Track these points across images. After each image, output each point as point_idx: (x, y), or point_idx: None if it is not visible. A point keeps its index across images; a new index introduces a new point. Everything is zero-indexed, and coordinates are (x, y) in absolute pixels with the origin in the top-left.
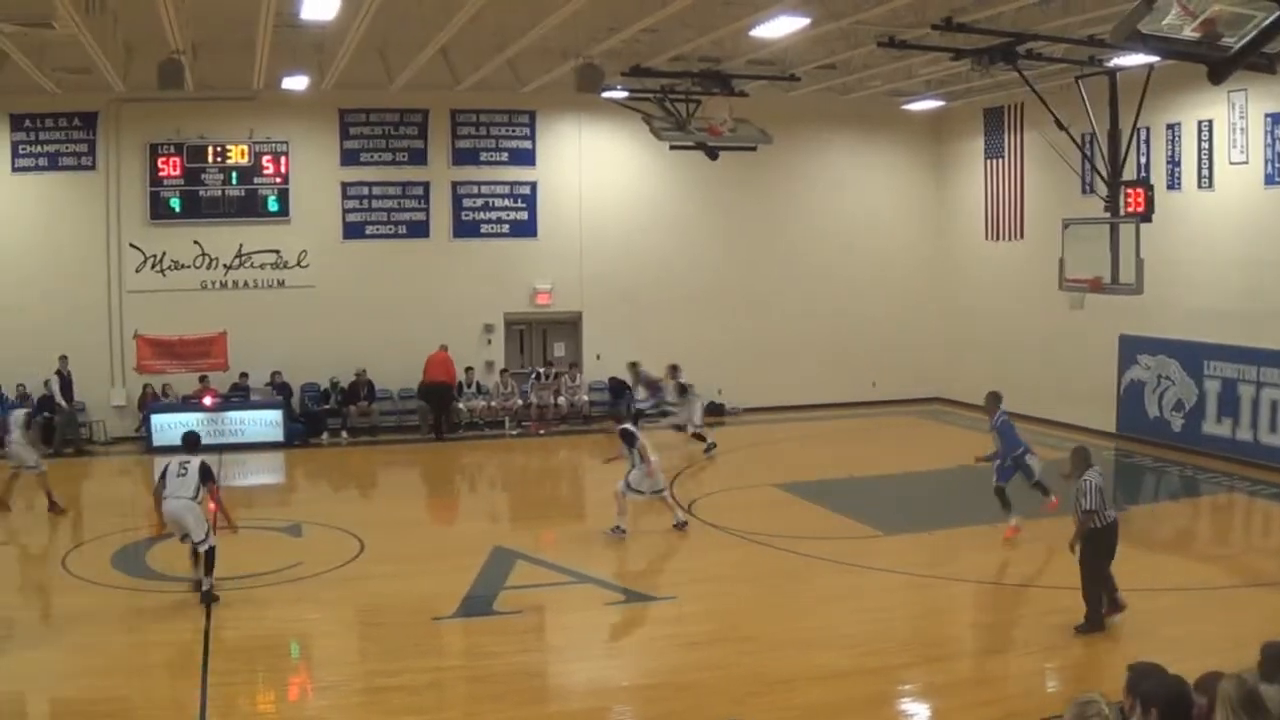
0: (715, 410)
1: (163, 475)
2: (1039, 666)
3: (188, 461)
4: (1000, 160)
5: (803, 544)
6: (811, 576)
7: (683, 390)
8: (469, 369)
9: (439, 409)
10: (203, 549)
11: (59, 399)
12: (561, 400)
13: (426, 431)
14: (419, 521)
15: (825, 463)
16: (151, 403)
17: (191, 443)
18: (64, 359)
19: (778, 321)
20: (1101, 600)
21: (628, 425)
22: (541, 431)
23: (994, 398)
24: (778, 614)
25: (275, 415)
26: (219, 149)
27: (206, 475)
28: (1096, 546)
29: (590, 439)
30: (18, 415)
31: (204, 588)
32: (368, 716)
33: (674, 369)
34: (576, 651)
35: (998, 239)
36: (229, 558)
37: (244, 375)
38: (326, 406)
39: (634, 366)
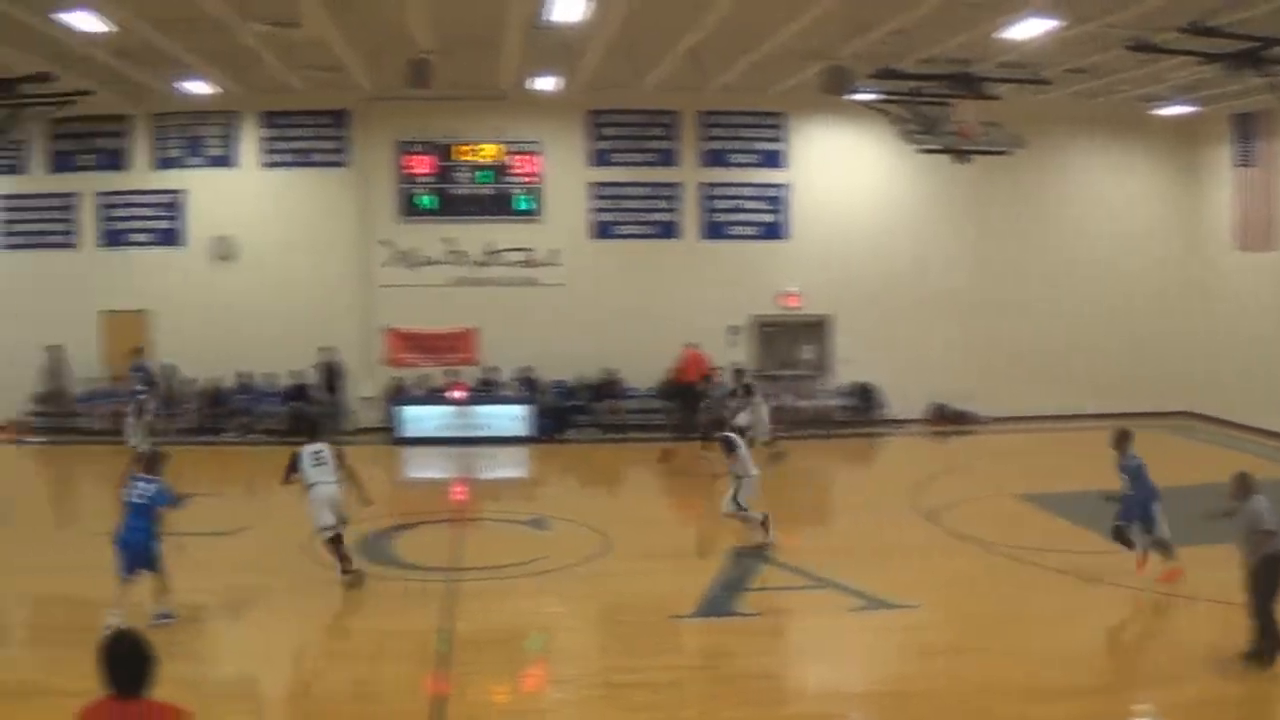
0: (959, 418)
1: (295, 466)
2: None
3: (320, 450)
4: (1252, 168)
5: (1045, 556)
6: (1051, 589)
7: (748, 391)
8: (715, 369)
9: (687, 408)
10: (341, 530)
11: (321, 390)
12: (806, 404)
13: (673, 430)
14: (662, 520)
15: (1070, 474)
16: (398, 395)
17: (312, 428)
18: (330, 350)
19: (1024, 328)
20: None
21: (730, 433)
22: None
23: (1124, 436)
24: (1016, 626)
25: (523, 411)
26: (470, 147)
27: (341, 460)
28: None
29: (831, 444)
30: None
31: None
32: (604, 712)
33: (740, 372)
34: (814, 656)
35: (1250, 248)
36: (476, 549)
37: (493, 370)
38: (573, 403)
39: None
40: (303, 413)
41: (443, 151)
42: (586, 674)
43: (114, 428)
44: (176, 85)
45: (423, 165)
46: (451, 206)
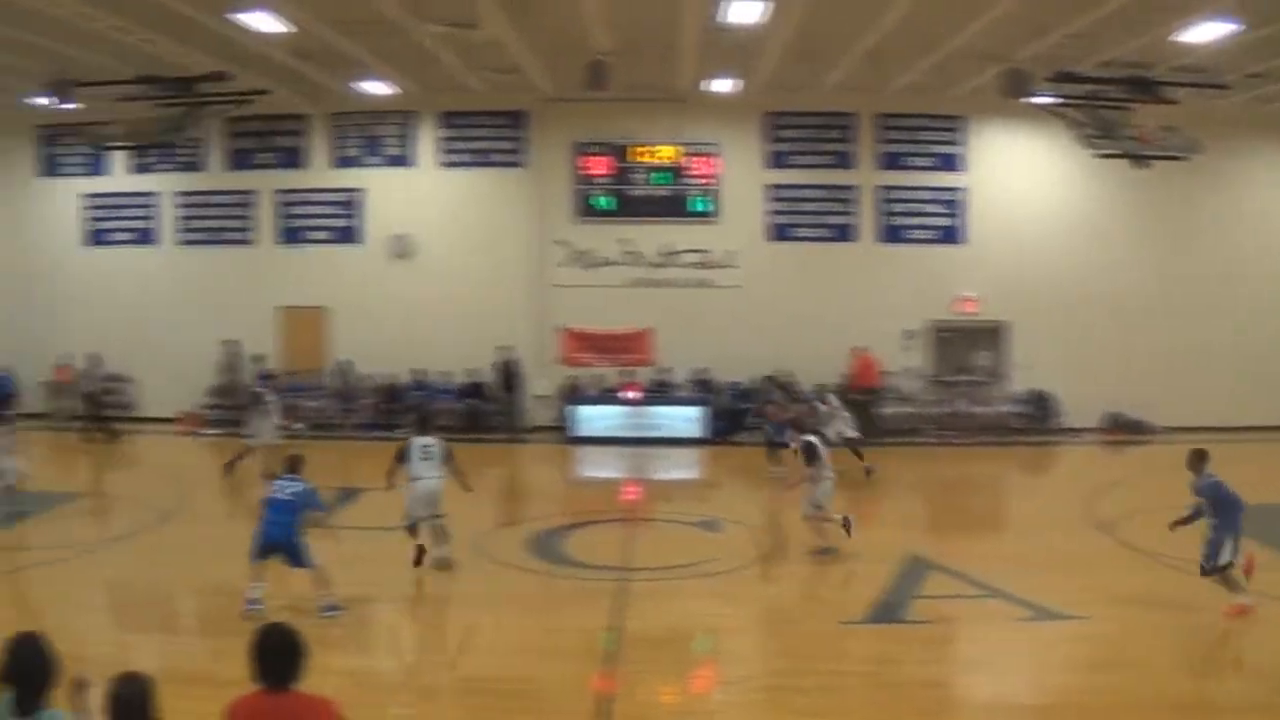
0: (1134, 428)
1: (403, 457)
2: None
3: (429, 445)
4: None
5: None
6: (1226, 603)
7: (824, 401)
8: (889, 373)
9: (861, 413)
10: (442, 522)
11: (498, 388)
12: (982, 409)
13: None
14: (833, 524)
15: (1247, 487)
16: (572, 394)
17: (424, 422)
18: (508, 349)
19: (1201, 336)
20: None
21: (811, 438)
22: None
23: (1199, 456)
24: (1185, 641)
25: (697, 412)
26: (648, 149)
27: (449, 455)
28: None
29: (1005, 451)
30: None
31: (444, 554)
32: (768, 715)
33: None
34: (979, 665)
35: None
36: (647, 550)
37: (667, 371)
38: (747, 405)
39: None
40: (423, 406)
41: (620, 153)
42: (752, 677)
43: (289, 421)
44: (355, 85)
45: (600, 166)
46: (628, 207)
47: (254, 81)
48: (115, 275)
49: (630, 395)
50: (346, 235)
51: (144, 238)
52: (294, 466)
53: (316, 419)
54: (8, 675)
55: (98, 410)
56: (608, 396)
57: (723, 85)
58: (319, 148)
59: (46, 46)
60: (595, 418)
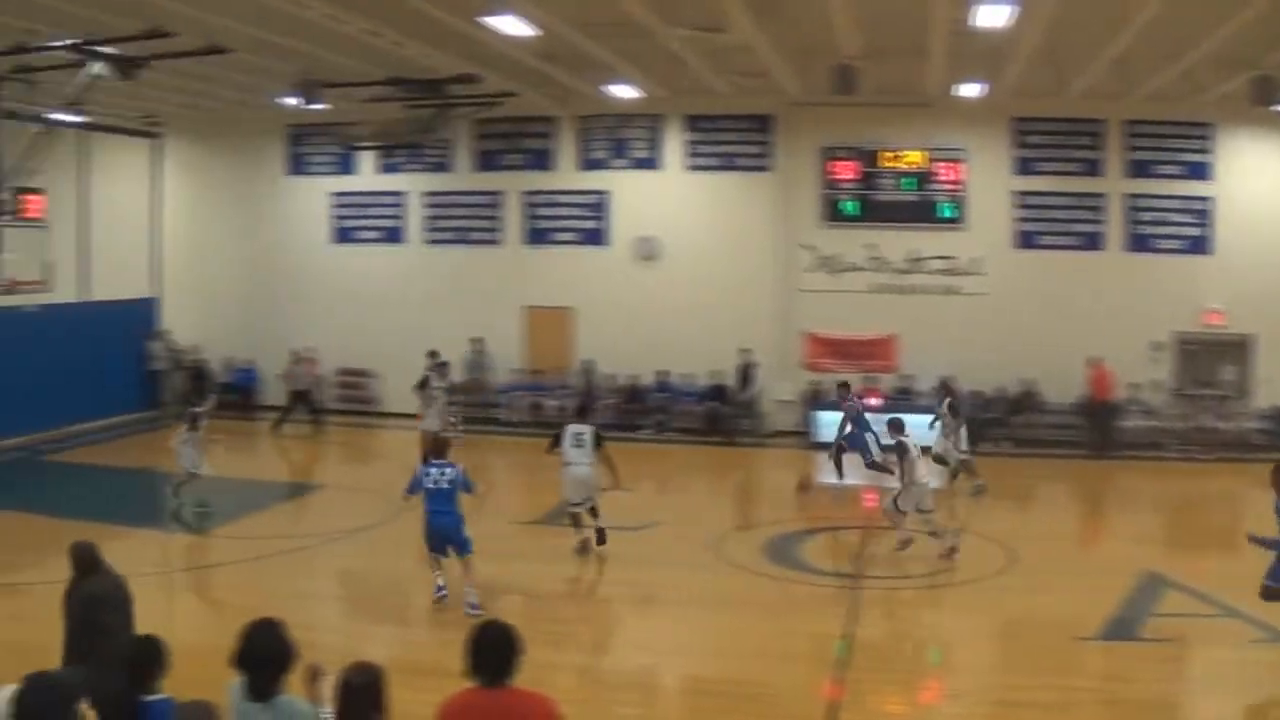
0: None
1: (557, 442)
2: None
3: (582, 432)
4: None
5: None
6: None
7: (954, 412)
8: (1133, 386)
9: (1098, 427)
10: (597, 503)
11: (737, 391)
12: (1225, 425)
13: (1089, 447)
14: (1069, 538)
15: None
16: (816, 400)
17: (582, 410)
18: (748, 352)
19: None
20: None
21: (902, 437)
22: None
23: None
24: None
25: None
26: (894, 154)
27: (599, 442)
28: None
29: (1248, 469)
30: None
31: (599, 527)
32: None
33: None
34: (1210, 687)
35: None
36: (882, 558)
37: (909, 378)
38: (988, 415)
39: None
40: (585, 395)
41: (867, 157)
42: (981, 690)
43: (533, 420)
44: (602, 88)
45: (847, 171)
46: (874, 212)
47: (502, 84)
48: (362, 273)
49: (871, 402)
50: (592, 237)
51: (391, 236)
52: (441, 451)
53: (559, 419)
54: (244, 660)
55: (307, 405)
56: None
57: (970, 90)
58: (566, 150)
59: (296, 48)
60: (837, 423)
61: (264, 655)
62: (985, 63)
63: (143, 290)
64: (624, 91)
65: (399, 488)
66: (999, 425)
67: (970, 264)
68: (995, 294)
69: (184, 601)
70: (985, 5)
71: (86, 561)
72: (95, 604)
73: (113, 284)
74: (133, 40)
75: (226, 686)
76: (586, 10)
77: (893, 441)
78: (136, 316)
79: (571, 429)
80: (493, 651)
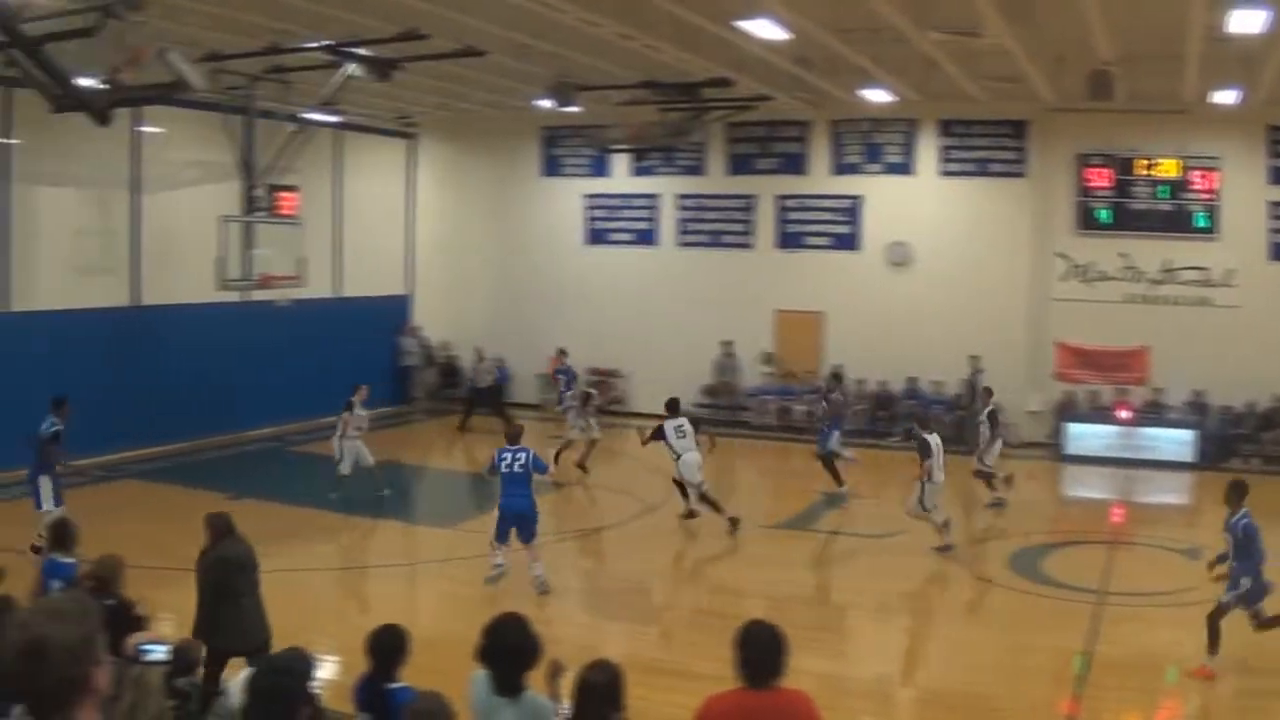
0: None
1: (660, 435)
2: None
3: (682, 425)
4: None
5: None
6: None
7: (993, 421)
8: None
9: None
10: (705, 489)
11: (966, 398)
12: None
13: None
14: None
15: None
16: (1067, 411)
17: (673, 406)
18: (976, 359)
19: None
20: None
21: (926, 435)
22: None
23: (1237, 489)
24: None
25: (1188, 435)
26: (1149, 161)
27: (698, 427)
28: None
29: None
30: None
31: (693, 509)
32: None
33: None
34: None
35: None
36: (1126, 574)
37: (1160, 391)
38: (1238, 430)
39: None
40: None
41: (1122, 165)
42: (1217, 713)
43: (781, 424)
44: (856, 92)
45: (1101, 178)
46: (1126, 221)
47: (755, 87)
48: (613, 274)
49: (1121, 415)
50: (844, 241)
51: (644, 238)
52: (516, 437)
53: (806, 424)
54: (492, 654)
55: (492, 403)
56: (1101, 415)
57: (1225, 97)
58: (819, 154)
59: (550, 51)
60: (1087, 435)
61: (512, 650)
62: (1241, 69)
63: (395, 287)
64: (877, 95)
65: (645, 488)
66: (1249, 441)
67: (1223, 275)
68: (1248, 307)
69: (425, 592)
70: (1239, 10)
71: (221, 529)
72: (226, 566)
73: (364, 280)
74: (387, 42)
75: (469, 678)
76: (840, 13)
77: (920, 436)
78: (389, 313)
79: (672, 424)
80: (764, 652)
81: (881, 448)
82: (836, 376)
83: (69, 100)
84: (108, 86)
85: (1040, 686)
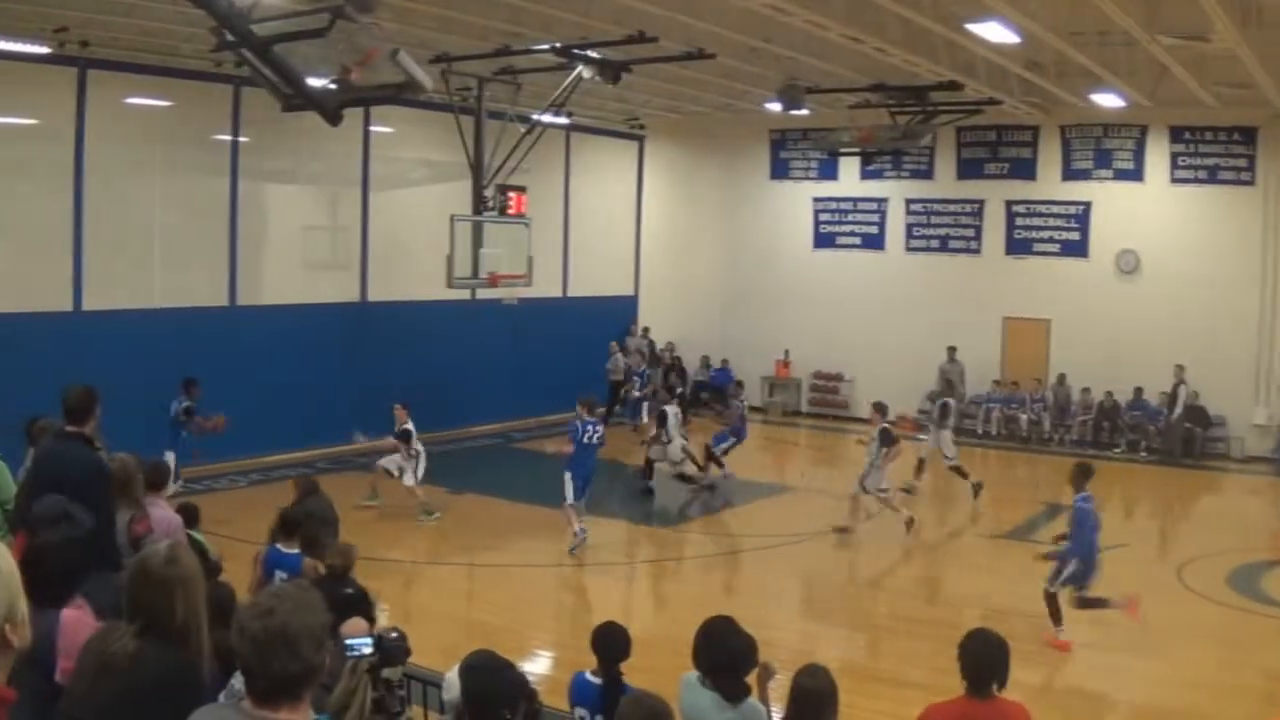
0: None
1: (661, 422)
2: None
3: (678, 412)
4: None
5: None
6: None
7: (943, 413)
8: None
9: None
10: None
11: (1169, 409)
12: None
13: None
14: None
15: None
16: None
17: (883, 409)
18: (1180, 368)
19: None
20: None
21: (888, 426)
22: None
23: (1082, 471)
24: None
25: None
26: None
27: (886, 440)
28: None
29: None
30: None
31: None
32: None
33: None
34: None
35: None
36: None
37: None
38: None
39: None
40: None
41: None
42: None
43: (1007, 433)
44: (1086, 97)
45: None
46: None
47: (985, 91)
48: (840, 278)
49: None
50: (1072, 248)
51: (871, 242)
52: (593, 408)
53: (1031, 433)
54: (710, 662)
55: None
56: None
57: None
58: (1048, 159)
59: (779, 54)
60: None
61: (732, 656)
62: None
63: (621, 288)
64: (1107, 100)
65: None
66: None
67: None
68: None
69: (640, 591)
70: None
71: (308, 488)
72: (310, 519)
73: (591, 281)
74: (616, 45)
75: (679, 679)
76: (1070, 17)
77: (880, 425)
78: (615, 313)
79: (671, 410)
80: (987, 661)
81: (1106, 459)
82: (739, 384)
83: (299, 100)
84: (338, 86)
85: (1254, 707)
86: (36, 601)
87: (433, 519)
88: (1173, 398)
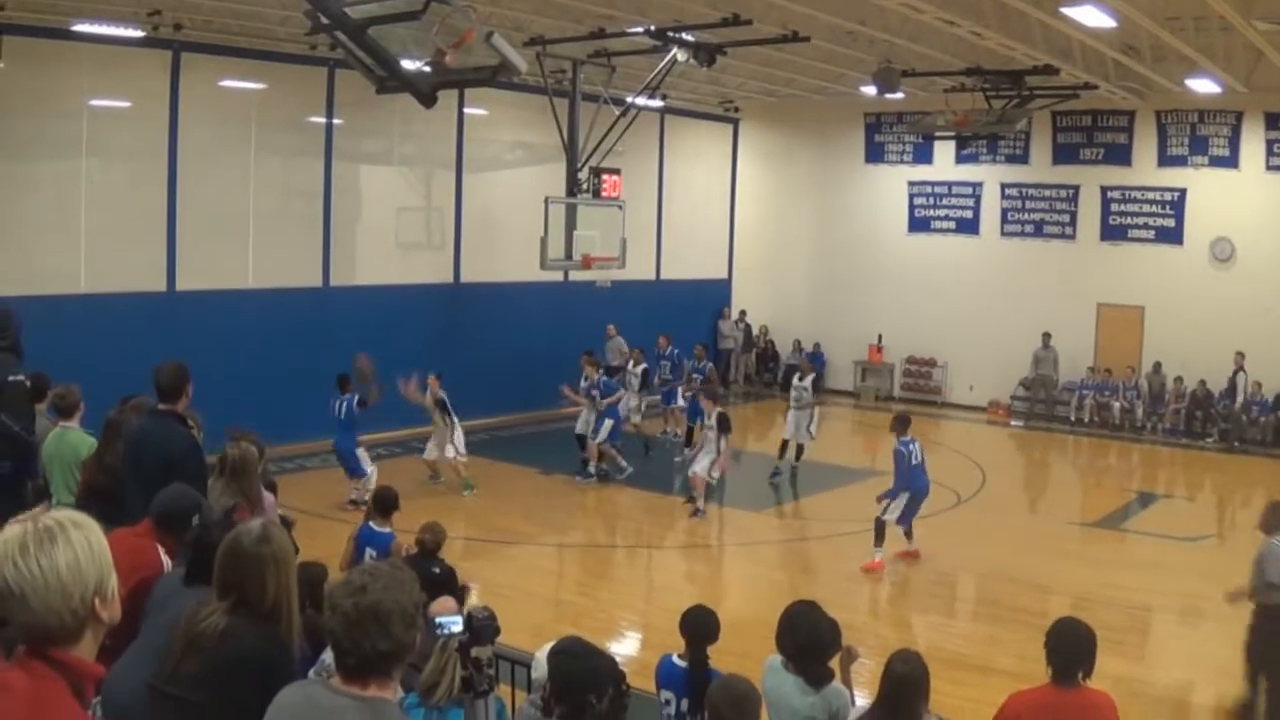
0: None
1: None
2: None
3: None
4: None
5: None
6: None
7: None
8: None
9: None
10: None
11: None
12: None
13: None
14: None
15: None
16: None
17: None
18: (1240, 355)
19: None
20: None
21: (725, 413)
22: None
23: (900, 420)
24: None
25: None
26: None
27: (725, 426)
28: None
29: None
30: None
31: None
32: None
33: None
34: None
35: None
36: None
37: None
38: None
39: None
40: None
41: None
42: None
43: (1098, 420)
44: (1182, 82)
45: None
46: None
47: (1081, 76)
48: (934, 262)
49: None
50: (1167, 235)
51: (966, 227)
52: (611, 373)
53: (1124, 421)
54: (793, 647)
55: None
56: None
57: None
58: (1144, 145)
59: (874, 37)
60: None
61: (813, 642)
62: None
63: (715, 271)
64: (1203, 86)
65: (959, 480)
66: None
67: None
68: None
69: (730, 574)
70: None
71: (232, 433)
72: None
73: (685, 263)
74: (711, 28)
75: (763, 662)
76: (1167, 2)
77: (717, 413)
78: (709, 296)
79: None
80: (1073, 650)
81: (1196, 449)
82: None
83: (393, 82)
84: (432, 69)
85: None
86: (197, 581)
87: (470, 493)
88: (1231, 386)
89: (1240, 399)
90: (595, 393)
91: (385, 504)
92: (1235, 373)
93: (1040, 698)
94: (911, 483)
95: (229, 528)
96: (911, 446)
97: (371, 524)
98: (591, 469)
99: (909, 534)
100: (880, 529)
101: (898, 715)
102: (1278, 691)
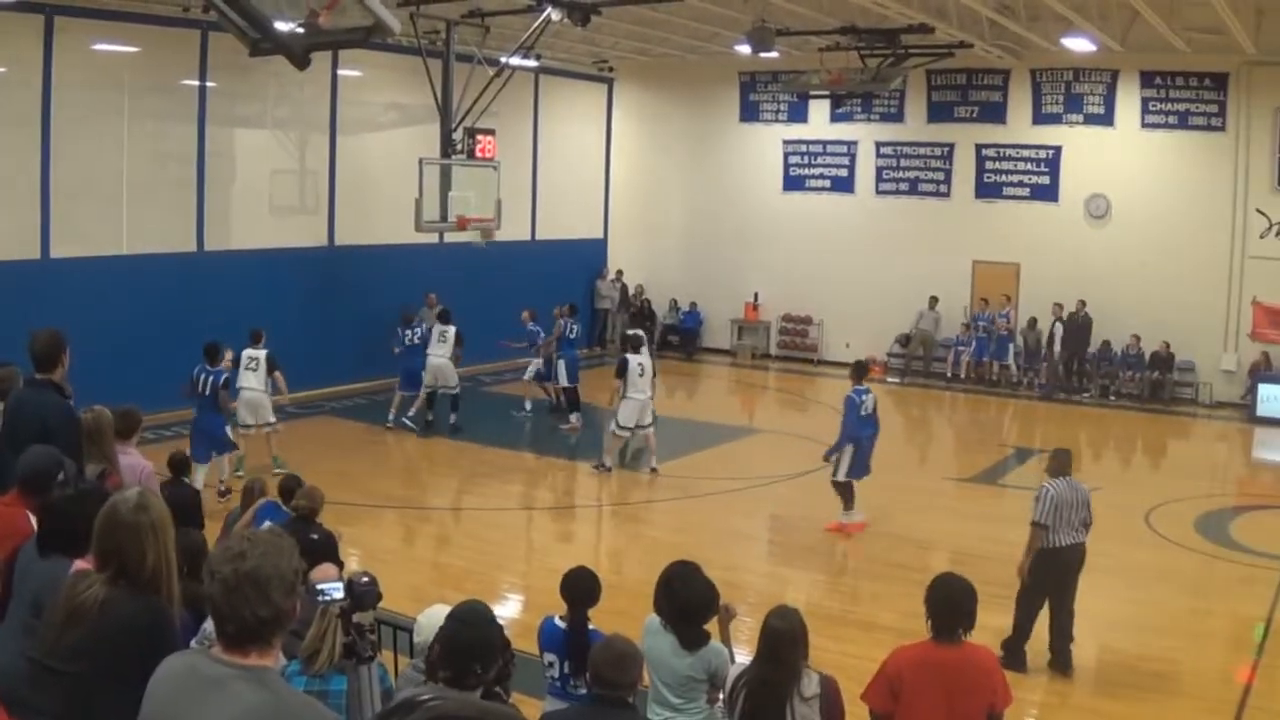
0: None
1: (622, 371)
2: None
3: (644, 362)
4: None
5: None
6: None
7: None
8: None
9: None
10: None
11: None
12: None
13: None
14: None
15: None
16: (1261, 371)
17: (636, 342)
18: (1059, 306)
19: None
20: (1027, 634)
21: (628, 355)
22: None
23: (858, 368)
24: None
25: None
26: None
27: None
28: (1040, 573)
29: None
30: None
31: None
32: None
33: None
34: None
35: None
36: None
37: None
38: None
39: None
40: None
41: None
42: None
43: (975, 376)
44: (1058, 41)
45: None
46: None
47: (955, 35)
48: (809, 221)
49: None
50: (1042, 193)
51: (841, 186)
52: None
53: (1001, 377)
54: (669, 611)
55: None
56: None
57: None
58: (1018, 103)
59: None
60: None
61: (688, 604)
62: None
63: (591, 231)
64: (1079, 45)
65: (833, 436)
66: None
67: None
68: None
69: (611, 534)
70: None
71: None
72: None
73: (561, 224)
74: None
75: (643, 622)
76: None
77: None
78: (585, 256)
79: (634, 360)
80: (952, 606)
81: (1075, 404)
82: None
83: (267, 44)
84: (305, 30)
85: (1219, 652)
86: (51, 550)
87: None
88: (1050, 335)
89: (1058, 349)
90: (539, 339)
91: (286, 493)
92: (1054, 322)
93: (922, 653)
94: (858, 432)
95: (103, 495)
96: (864, 396)
97: (279, 502)
98: (572, 419)
99: (848, 500)
100: (842, 489)
101: (776, 670)
102: (1063, 612)
